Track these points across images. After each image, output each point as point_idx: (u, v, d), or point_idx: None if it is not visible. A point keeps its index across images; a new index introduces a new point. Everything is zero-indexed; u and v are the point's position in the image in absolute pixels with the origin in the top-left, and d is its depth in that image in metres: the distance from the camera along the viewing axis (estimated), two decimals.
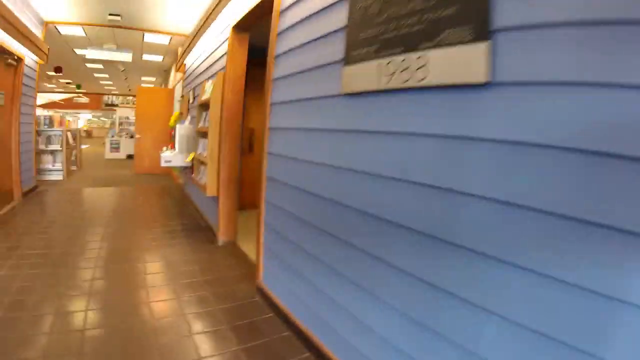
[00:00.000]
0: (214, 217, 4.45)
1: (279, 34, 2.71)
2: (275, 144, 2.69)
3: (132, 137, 13.71)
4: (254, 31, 4.00)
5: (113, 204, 5.92)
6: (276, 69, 2.70)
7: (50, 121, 7.87)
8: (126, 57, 8.03)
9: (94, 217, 5.09)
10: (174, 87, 9.48)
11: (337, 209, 1.94)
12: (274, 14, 2.80)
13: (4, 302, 2.63)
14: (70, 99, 23.24)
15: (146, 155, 9.44)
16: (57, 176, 7.94)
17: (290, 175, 2.47)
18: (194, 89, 5.93)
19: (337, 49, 1.97)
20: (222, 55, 4.27)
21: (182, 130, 5.73)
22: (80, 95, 21.85)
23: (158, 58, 10.43)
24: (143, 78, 14.70)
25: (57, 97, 21.95)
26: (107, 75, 14.54)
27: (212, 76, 4.70)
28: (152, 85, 15.07)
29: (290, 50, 2.51)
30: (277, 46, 2.72)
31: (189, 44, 5.86)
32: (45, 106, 21.06)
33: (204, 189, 4.35)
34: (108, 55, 7.83)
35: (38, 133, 7.62)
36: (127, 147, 13.37)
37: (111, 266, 3.44)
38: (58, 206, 5.64)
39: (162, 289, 3.05)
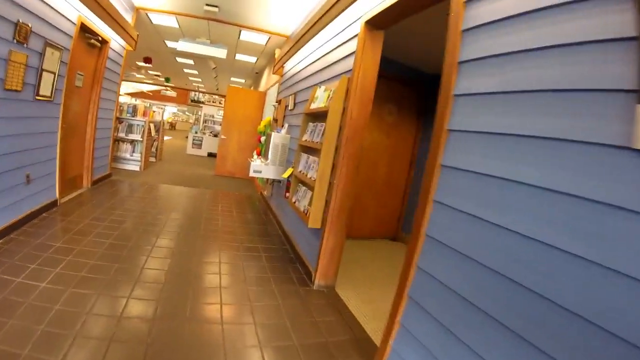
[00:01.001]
0: (311, 252, 3.68)
1: (466, 31, 1.86)
2: (450, 192, 1.82)
3: (215, 135, 13.65)
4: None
5: (188, 209, 5.43)
6: (461, 81, 1.85)
7: (134, 110, 7.72)
8: (220, 53, 7.61)
9: (164, 222, 4.59)
10: (266, 91, 9.02)
11: (580, 326, 1.05)
12: (455, 3, 1.96)
13: (32, 334, 2.12)
14: (158, 91, 24.24)
15: (229, 158, 9.06)
16: (134, 166, 7.78)
17: (475, 244, 1.59)
18: (295, 94, 5.28)
19: (612, 70, 1.15)
20: (346, 57, 3.51)
21: (277, 139, 5.08)
22: (168, 88, 22.61)
23: (251, 59, 10.08)
24: (232, 79, 14.64)
25: (145, 88, 22.95)
26: (196, 72, 14.65)
27: (325, 81, 3.98)
28: (240, 87, 14.95)
29: (494, 56, 1.65)
30: (463, 49, 1.86)
31: (294, 44, 5.22)
32: (133, 95, 22.11)
33: (305, 217, 3.61)
34: (202, 50, 7.46)
35: (119, 120, 7.48)
36: (209, 145, 13.33)
37: (175, 301, 2.79)
38: (127, 202, 5.26)
39: (243, 353, 2.31)
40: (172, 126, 27.48)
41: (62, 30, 3.91)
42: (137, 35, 6.37)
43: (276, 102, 6.47)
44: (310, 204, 3.64)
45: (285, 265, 3.86)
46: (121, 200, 5.24)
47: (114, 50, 5.70)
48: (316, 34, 4.30)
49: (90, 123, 5.37)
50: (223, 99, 21.32)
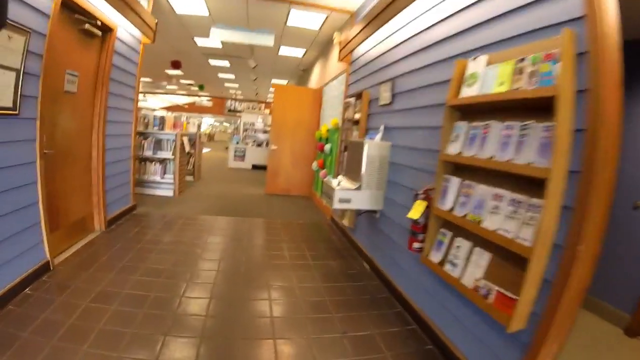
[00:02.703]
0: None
1: None
2: None
3: (259, 145, 12.13)
4: None
5: (241, 260, 3.69)
6: None
7: (162, 122, 6.14)
8: (267, 40, 5.90)
9: (209, 294, 2.89)
10: (321, 88, 7.31)
11: None
12: None
13: None
14: (193, 103, 23.18)
15: (282, 172, 7.41)
16: (166, 191, 6.23)
17: None
18: (392, 81, 3.49)
19: None
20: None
21: (373, 149, 3.34)
22: (203, 98, 21.42)
23: (298, 52, 8.46)
24: (273, 80, 13.10)
25: (180, 100, 21.87)
26: (232, 76, 13.20)
27: (489, 46, 2.19)
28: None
29: None
30: None
31: (390, 4, 3.46)
32: (168, 109, 21.04)
33: (484, 304, 1.83)
34: (243, 37, 5.79)
35: (144, 136, 5.96)
36: (253, 156, 11.83)
37: None
38: (152, 254, 3.59)
39: None
40: (211, 137, 26.50)
41: (27, 2, 2.37)
42: (156, 23, 4.83)
43: (349, 97, 4.71)
44: (486, 276, 1.89)
45: None
46: (144, 251, 3.61)
47: (124, 43, 4.16)
48: None
49: (96, 143, 3.84)
50: (262, 105, 19.90)
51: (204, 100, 22.02)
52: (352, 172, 3.57)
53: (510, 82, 1.87)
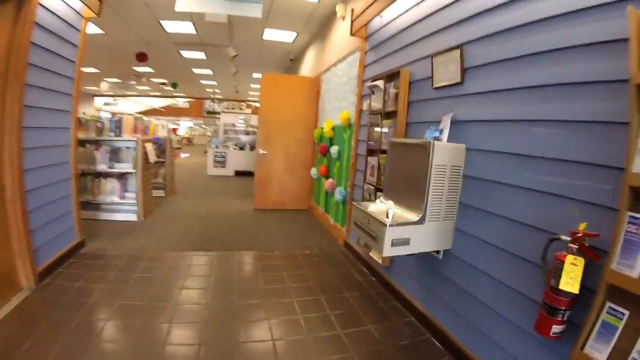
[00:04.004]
0: None
1: None
2: None
3: (241, 148, 10.75)
4: None
5: (232, 342, 2.36)
6: None
7: (119, 126, 4.72)
8: (253, 10, 4.49)
9: None
10: (319, 76, 6.01)
11: None
12: None
13: None
14: (169, 106, 21.70)
15: (274, 181, 6.09)
16: (128, 215, 4.79)
17: None
18: (461, 48, 2.24)
19: None
20: None
21: (442, 155, 2.08)
22: (178, 99, 19.84)
23: (288, 36, 7.10)
24: (254, 75, 11.69)
25: (157, 104, 20.31)
26: (209, 72, 11.72)
27: None
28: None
29: None
30: None
31: None
32: (145, 114, 19.46)
33: None
34: (220, 7, 4.37)
35: (97, 144, 4.58)
36: (235, 161, 10.46)
37: None
38: (98, 331, 2.27)
39: None
40: (189, 141, 24.99)
41: None
42: None
43: (371, 80, 3.42)
44: None
45: None
46: (84, 329, 2.25)
47: (53, 13, 2.78)
48: None
49: (8, 161, 2.44)
50: (244, 105, 18.47)
51: (180, 102, 20.49)
52: (402, 191, 2.30)
53: None
